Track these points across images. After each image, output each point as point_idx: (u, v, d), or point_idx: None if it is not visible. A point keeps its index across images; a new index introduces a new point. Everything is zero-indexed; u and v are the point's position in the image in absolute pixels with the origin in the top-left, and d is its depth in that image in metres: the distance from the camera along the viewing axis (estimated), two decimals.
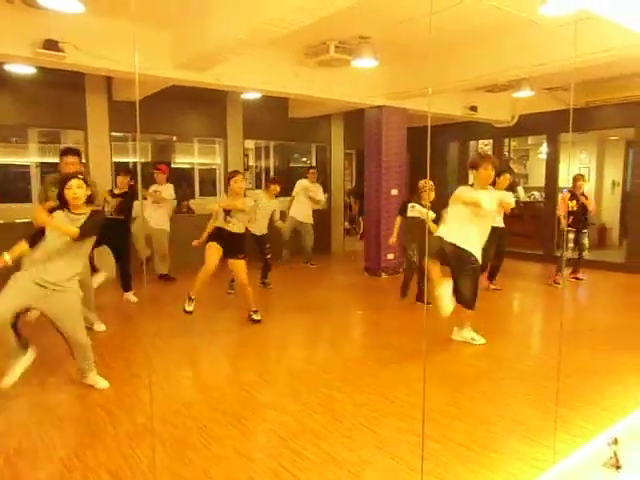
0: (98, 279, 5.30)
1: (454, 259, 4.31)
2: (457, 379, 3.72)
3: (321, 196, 8.37)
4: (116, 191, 5.71)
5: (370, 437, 2.85)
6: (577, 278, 7.21)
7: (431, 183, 5.50)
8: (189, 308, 4.91)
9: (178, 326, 4.91)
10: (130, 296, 5.99)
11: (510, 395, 3.48)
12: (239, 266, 4.92)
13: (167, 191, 6.90)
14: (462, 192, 4.38)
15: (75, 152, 4.65)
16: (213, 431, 2.92)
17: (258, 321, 5.06)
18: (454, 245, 4.28)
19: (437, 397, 3.34)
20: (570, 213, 6.83)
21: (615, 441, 2.11)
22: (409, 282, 5.83)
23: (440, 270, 4.40)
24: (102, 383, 3.53)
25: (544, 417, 3.05)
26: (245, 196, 4.98)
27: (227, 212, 4.87)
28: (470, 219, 4.26)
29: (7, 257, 3.11)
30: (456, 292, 4.34)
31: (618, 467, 2.10)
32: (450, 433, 2.87)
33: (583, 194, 6.83)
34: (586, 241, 6.96)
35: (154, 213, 6.89)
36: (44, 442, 2.80)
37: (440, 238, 4.33)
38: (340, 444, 2.76)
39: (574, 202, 6.82)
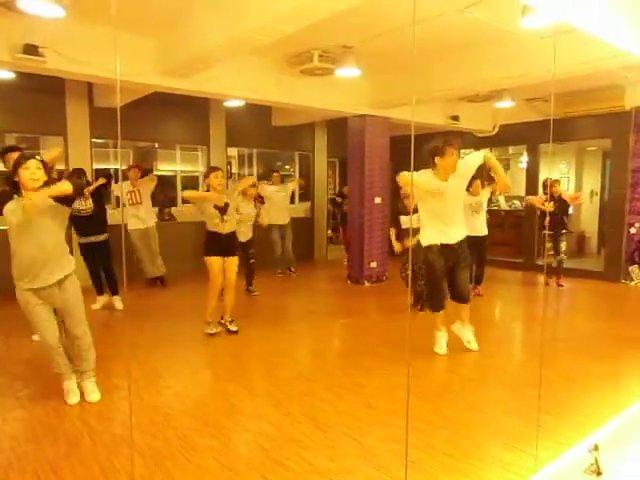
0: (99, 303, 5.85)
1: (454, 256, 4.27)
2: (440, 387, 3.72)
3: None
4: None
5: (354, 446, 2.83)
6: (560, 285, 7.29)
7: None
8: (212, 330, 4.81)
9: (160, 335, 4.84)
10: (117, 301, 5.95)
11: (493, 403, 3.49)
12: (234, 263, 4.86)
13: (144, 186, 6.88)
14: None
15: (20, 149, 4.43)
16: (194, 442, 2.87)
17: (235, 332, 4.98)
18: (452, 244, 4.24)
19: (421, 405, 3.34)
20: (549, 214, 7.02)
21: (596, 447, 2.13)
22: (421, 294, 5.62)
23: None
24: (92, 396, 3.41)
25: (526, 424, 3.06)
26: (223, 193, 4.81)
27: (223, 211, 4.69)
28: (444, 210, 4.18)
29: None
30: (455, 289, 4.37)
31: (599, 473, 2.11)
32: (434, 442, 2.87)
33: (560, 197, 7.00)
34: (563, 245, 7.08)
35: (139, 213, 6.85)
36: (17, 455, 2.72)
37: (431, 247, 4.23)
38: (323, 454, 2.74)
39: (552, 204, 6.99)
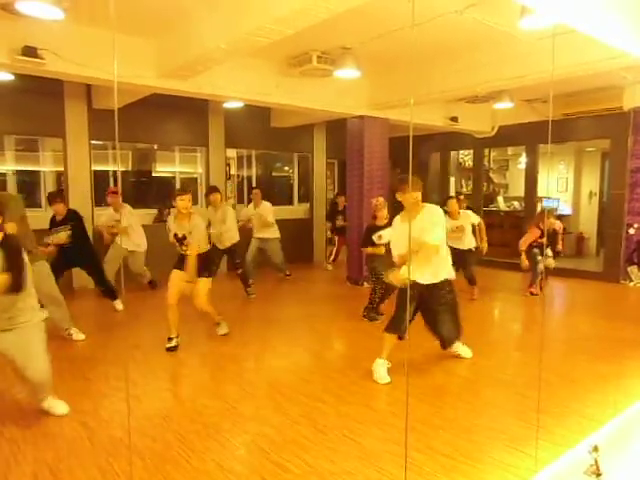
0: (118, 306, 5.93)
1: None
2: (440, 389, 3.72)
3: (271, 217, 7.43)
4: (58, 218, 5.42)
5: (353, 448, 2.82)
6: (533, 293, 6.95)
7: (382, 200, 5.41)
8: (171, 344, 4.58)
9: (159, 338, 4.82)
10: (117, 304, 5.99)
11: (493, 404, 3.49)
12: (201, 286, 4.64)
13: (126, 217, 6.43)
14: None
15: None
16: (193, 444, 2.86)
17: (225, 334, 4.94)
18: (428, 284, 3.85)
19: (420, 407, 3.33)
20: (537, 246, 6.77)
21: (595, 449, 2.13)
22: (383, 302, 5.55)
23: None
24: (60, 408, 3.24)
25: (526, 426, 3.06)
26: (191, 215, 4.56)
27: (180, 240, 4.57)
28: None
29: None
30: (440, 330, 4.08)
31: (599, 475, 2.11)
32: (433, 443, 2.86)
33: (555, 231, 6.88)
34: (550, 253, 6.96)
35: (125, 237, 6.50)
36: (16, 458, 2.71)
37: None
38: (323, 456, 2.73)
39: (543, 239, 6.74)
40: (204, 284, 4.68)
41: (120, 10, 4.25)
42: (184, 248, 4.58)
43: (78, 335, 4.84)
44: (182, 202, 4.51)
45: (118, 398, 3.49)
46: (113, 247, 6.49)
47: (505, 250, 9.30)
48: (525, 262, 6.83)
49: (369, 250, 5.34)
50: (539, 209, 8.79)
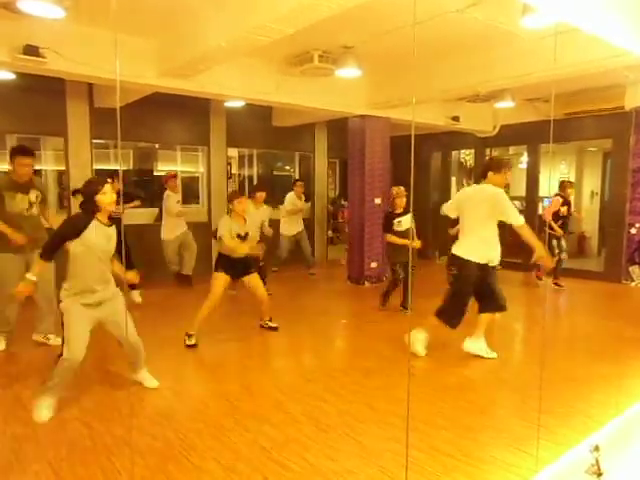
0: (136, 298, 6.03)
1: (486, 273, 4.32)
2: (442, 388, 3.71)
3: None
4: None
5: (354, 447, 2.83)
6: (558, 285, 7.29)
7: (403, 189, 5.66)
8: (191, 342, 4.62)
9: (160, 337, 4.83)
10: (135, 296, 6.08)
11: (494, 403, 3.49)
12: (257, 280, 4.87)
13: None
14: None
15: (30, 152, 4.31)
16: (194, 443, 2.86)
17: (275, 328, 5.10)
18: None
19: (422, 406, 3.33)
20: (560, 218, 7.10)
21: (596, 448, 2.13)
22: (391, 292, 5.88)
23: None
24: (152, 382, 3.66)
25: (527, 425, 3.06)
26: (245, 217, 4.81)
27: (243, 238, 4.70)
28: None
29: (34, 278, 3.11)
30: (490, 301, 4.37)
31: (600, 474, 2.11)
32: (435, 442, 2.86)
33: (567, 201, 7.17)
34: (565, 244, 7.16)
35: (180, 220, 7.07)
36: (18, 457, 2.72)
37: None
38: (324, 454, 2.74)
39: (565, 208, 7.10)
40: (257, 277, 4.90)
41: (121, 9, 4.25)
42: (244, 246, 4.70)
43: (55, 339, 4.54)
44: (240, 205, 4.70)
45: (119, 397, 3.49)
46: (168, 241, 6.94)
47: (505, 249, 9.27)
48: (559, 230, 7.09)
49: (392, 238, 5.57)
50: (540, 210, 8.82)
